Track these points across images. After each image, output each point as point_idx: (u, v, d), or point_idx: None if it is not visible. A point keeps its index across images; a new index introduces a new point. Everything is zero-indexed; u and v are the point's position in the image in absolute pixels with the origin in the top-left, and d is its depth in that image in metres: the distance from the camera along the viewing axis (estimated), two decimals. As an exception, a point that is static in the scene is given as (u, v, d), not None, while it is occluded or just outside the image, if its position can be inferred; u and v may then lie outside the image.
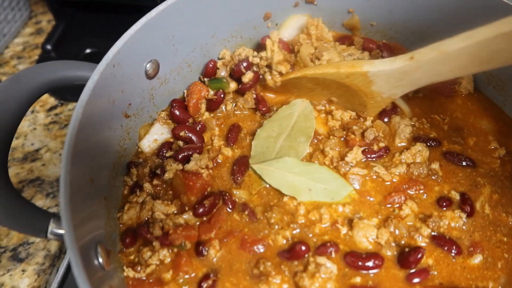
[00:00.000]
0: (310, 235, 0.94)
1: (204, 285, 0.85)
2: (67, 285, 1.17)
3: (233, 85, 1.20)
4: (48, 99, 1.61)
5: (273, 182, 1.01)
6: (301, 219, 0.96)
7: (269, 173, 1.01)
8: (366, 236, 0.92)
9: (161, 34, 1.03)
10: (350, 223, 0.95)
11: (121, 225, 0.95)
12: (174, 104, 1.15)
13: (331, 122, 1.12)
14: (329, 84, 1.06)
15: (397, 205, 0.98)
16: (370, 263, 0.88)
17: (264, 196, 1.01)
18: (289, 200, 0.98)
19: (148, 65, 1.04)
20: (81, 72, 0.91)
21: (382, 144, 1.06)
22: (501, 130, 1.12)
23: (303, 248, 0.89)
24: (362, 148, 1.05)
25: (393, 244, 0.92)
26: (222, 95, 1.17)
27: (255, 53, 1.18)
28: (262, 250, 0.91)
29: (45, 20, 1.90)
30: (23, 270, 1.20)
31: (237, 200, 1.00)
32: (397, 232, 0.93)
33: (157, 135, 1.10)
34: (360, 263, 0.88)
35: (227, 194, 0.99)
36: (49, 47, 1.74)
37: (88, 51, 1.73)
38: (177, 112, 1.12)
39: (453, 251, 0.91)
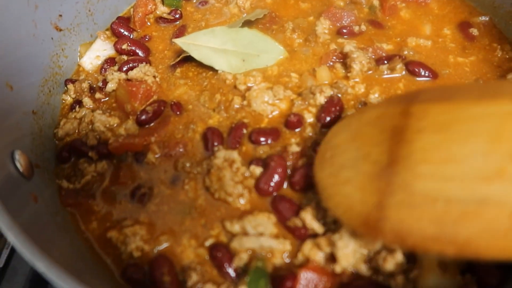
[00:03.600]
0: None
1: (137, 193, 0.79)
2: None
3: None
4: None
5: (203, 58, 0.93)
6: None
7: (198, 49, 0.93)
8: (265, 101, 0.88)
9: None
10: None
11: (57, 142, 0.87)
12: (118, 20, 1.06)
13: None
14: None
15: (330, 63, 0.95)
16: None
17: (198, 81, 0.95)
18: (223, 74, 0.94)
19: (77, -28, 0.94)
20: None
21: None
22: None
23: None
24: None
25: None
26: (177, 15, 1.08)
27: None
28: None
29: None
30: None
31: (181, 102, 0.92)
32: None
33: (99, 51, 1.01)
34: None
35: (174, 101, 0.91)
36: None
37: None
38: (119, 28, 1.04)
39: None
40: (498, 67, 0.96)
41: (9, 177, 0.66)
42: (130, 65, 0.95)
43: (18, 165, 0.69)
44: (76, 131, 0.88)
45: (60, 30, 0.94)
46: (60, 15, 0.93)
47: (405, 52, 0.96)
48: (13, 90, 0.77)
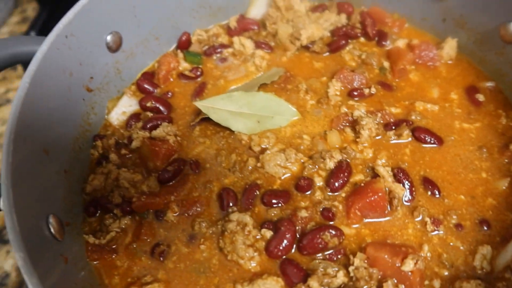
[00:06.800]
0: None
1: (157, 250, 0.86)
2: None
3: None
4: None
5: (221, 120, 1.00)
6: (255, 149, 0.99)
7: (216, 112, 1.00)
8: (277, 164, 0.94)
9: (120, 5, 1.01)
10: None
11: (85, 196, 0.95)
12: (143, 76, 1.15)
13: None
14: None
15: (340, 127, 1.01)
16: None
17: (216, 140, 1.02)
18: (239, 135, 1.00)
19: (108, 37, 1.02)
20: (35, 47, 0.90)
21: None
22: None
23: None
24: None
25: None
26: (199, 73, 1.15)
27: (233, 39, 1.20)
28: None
29: (30, 8, 1.91)
30: (7, 251, 1.22)
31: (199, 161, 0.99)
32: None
33: (125, 107, 1.09)
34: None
35: (193, 159, 0.98)
36: (33, 33, 1.74)
37: (70, 35, 1.72)
38: (144, 84, 1.12)
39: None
40: (503, 135, 1.00)
41: (43, 242, 0.73)
42: (154, 123, 1.03)
43: (52, 228, 0.76)
44: (103, 185, 0.96)
45: (91, 90, 1.02)
46: (92, 77, 1.01)
47: (413, 117, 1.01)
48: (48, 154, 0.84)
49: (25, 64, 0.92)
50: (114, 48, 1.05)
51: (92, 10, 0.94)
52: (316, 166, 0.94)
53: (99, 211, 0.93)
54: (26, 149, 0.76)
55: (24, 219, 0.67)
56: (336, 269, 0.80)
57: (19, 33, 1.82)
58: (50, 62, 0.85)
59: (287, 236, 0.83)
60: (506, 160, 0.95)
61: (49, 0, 1.86)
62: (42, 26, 1.79)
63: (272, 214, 0.89)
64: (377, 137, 0.98)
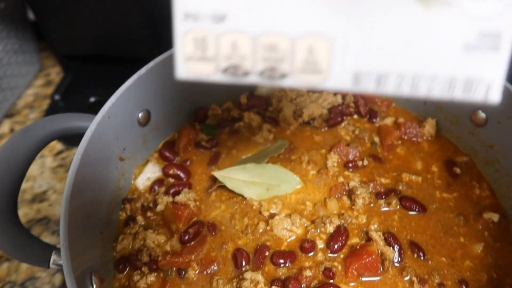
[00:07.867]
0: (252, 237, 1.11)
1: None
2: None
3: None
4: (56, 145, 1.77)
5: (235, 188, 1.16)
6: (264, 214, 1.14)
7: (231, 181, 1.16)
8: (284, 228, 1.09)
9: (151, 88, 1.19)
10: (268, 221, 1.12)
11: (115, 254, 1.08)
12: (164, 146, 1.31)
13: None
14: None
15: (338, 195, 1.17)
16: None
17: (230, 205, 1.16)
18: (251, 201, 1.16)
19: (140, 115, 1.20)
20: (82, 123, 1.06)
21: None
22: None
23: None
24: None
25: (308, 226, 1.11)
26: (214, 144, 1.32)
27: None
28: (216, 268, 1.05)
29: (54, 72, 2.10)
30: (30, 302, 1.32)
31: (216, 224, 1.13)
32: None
33: (150, 173, 1.24)
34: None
35: (210, 222, 1.12)
36: (57, 97, 1.92)
37: (92, 99, 1.90)
38: (166, 153, 1.28)
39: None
40: (477, 203, 1.16)
41: (88, 298, 0.86)
42: (176, 189, 1.18)
43: (95, 285, 0.89)
44: (130, 246, 1.09)
45: (123, 159, 1.17)
46: (124, 148, 1.17)
47: (400, 187, 1.18)
48: (90, 218, 0.98)
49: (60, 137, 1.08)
50: (144, 123, 1.22)
51: (129, 94, 1.11)
52: (318, 230, 1.09)
53: (127, 268, 1.06)
54: (76, 216, 0.90)
55: (76, 278, 0.80)
56: (337, 322, 0.93)
57: (43, 95, 2.00)
58: (95, 139, 1.01)
59: (294, 293, 0.97)
60: (480, 227, 1.11)
61: (72, 66, 2.06)
62: (66, 90, 1.97)
63: (280, 273, 1.03)
64: (370, 205, 1.14)
